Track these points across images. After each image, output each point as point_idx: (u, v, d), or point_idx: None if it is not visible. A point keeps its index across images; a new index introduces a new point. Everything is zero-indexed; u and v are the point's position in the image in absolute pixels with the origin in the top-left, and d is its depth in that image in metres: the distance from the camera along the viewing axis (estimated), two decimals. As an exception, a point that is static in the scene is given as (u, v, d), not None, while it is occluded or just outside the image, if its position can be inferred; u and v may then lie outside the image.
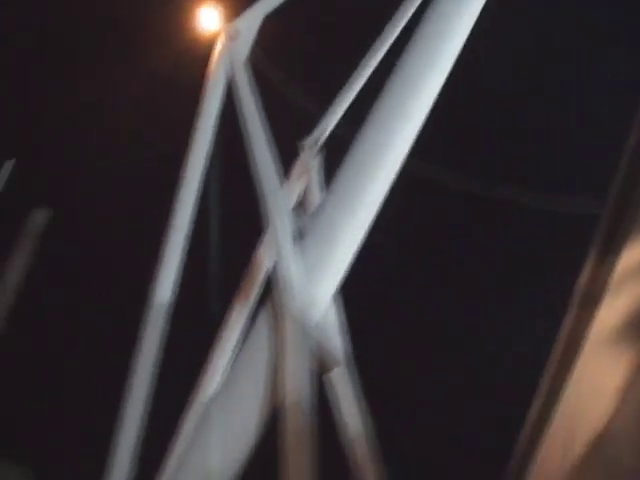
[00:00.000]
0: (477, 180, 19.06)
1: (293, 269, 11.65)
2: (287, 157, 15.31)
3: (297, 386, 10.82)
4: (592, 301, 6.60)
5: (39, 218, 26.36)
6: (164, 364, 12.72)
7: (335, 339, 12.33)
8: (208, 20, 17.11)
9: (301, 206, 14.28)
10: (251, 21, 16.13)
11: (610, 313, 6.48)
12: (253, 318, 12.64)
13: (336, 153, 13.46)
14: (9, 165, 34.10)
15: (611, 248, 6.65)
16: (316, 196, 14.32)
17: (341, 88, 19.24)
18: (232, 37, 15.56)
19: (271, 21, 16.53)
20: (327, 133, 18.88)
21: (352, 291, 12.87)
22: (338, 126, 19.00)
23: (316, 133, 18.75)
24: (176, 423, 13.90)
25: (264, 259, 13.93)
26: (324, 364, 12.30)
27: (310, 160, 16.45)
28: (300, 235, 12.12)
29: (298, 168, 16.38)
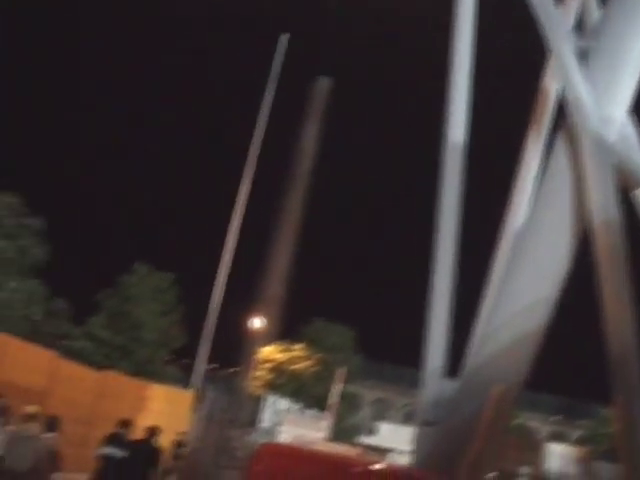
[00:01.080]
0: None
1: (582, 90, 11.45)
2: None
3: (603, 206, 10.80)
4: None
5: (322, 86, 27.33)
6: (467, 202, 13.01)
7: (636, 155, 12.04)
8: None
9: (580, 26, 13.78)
10: None
11: None
12: (549, 146, 12.61)
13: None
14: (284, 38, 35.43)
15: None
16: (594, 13, 13.75)
17: None
18: None
19: None
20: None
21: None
22: None
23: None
24: (486, 261, 14.24)
25: (551, 85, 13.69)
26: (628, 181, 12.12)
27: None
28: (584, 55, 11.83)
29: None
